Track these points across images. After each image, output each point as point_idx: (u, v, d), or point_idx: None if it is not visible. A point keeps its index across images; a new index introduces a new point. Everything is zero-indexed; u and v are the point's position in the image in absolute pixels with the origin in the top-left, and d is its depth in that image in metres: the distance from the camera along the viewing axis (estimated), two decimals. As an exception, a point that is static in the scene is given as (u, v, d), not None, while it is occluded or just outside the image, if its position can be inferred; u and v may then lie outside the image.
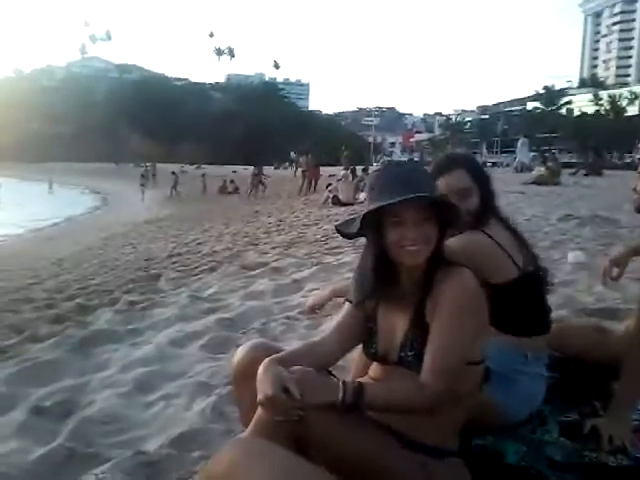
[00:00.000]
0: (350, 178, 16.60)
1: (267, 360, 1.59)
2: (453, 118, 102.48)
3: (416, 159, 28.13)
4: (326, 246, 7.48)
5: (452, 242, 1.82)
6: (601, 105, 62.85)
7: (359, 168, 19.21)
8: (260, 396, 1.48)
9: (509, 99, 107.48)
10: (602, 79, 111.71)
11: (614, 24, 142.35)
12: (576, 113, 65.12)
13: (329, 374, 1.80)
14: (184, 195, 28.92)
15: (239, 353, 1.82)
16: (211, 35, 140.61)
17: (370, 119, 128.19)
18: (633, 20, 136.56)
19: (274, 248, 7.76)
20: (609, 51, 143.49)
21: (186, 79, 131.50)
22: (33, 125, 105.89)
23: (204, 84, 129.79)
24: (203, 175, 33.10)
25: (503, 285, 2.07)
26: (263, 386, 1.49)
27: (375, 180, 1.68)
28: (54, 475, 2.29)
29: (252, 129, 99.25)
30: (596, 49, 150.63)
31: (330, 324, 1.88)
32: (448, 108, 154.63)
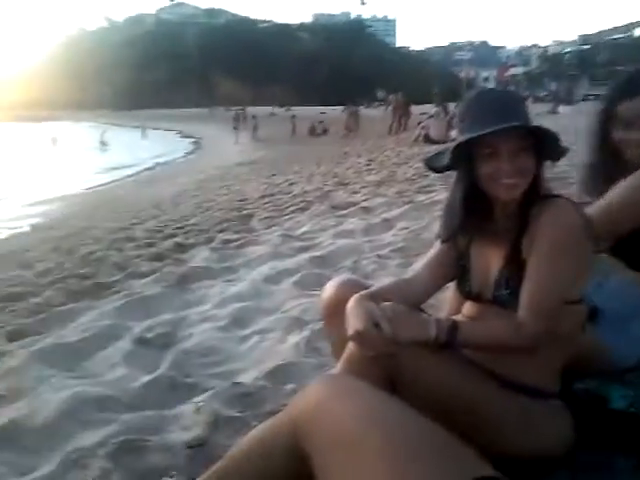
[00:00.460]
0: (442, 115, 16.13)
1: (357, 295, 1.57)
2: (551, 49, 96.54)
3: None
4: (417, 185, 7.34)
5: None
6: None
7: (451, 105, 18.57)
8: (350, 331, 1.46)
9: (613, 26, 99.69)
10: None
11: None
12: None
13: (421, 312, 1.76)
14: (265, 137, 29.10)
15: (328, 289, 1.81)
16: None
17: (462, 54, 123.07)
18: None
19: (364, 187, 7.70)
20: None
21: (271, 21, 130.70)
22: (126, 73, 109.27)
23: (290, 25, 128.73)
24: (292, 117, 33.11)
25: None
26: (353, 321, 1.47)
27: (466, 109, 1.57)
28: (158, 401, 2.40)
29: (339, 69, 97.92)
30: None
31: (421, 262, 1.81)
32: (546, 39, 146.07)
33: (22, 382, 2.72)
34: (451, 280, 1.77)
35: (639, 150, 1.93)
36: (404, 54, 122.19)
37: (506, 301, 1.54)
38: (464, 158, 1.54)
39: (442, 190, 6.23)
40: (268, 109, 55.20)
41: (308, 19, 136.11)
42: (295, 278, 3.84)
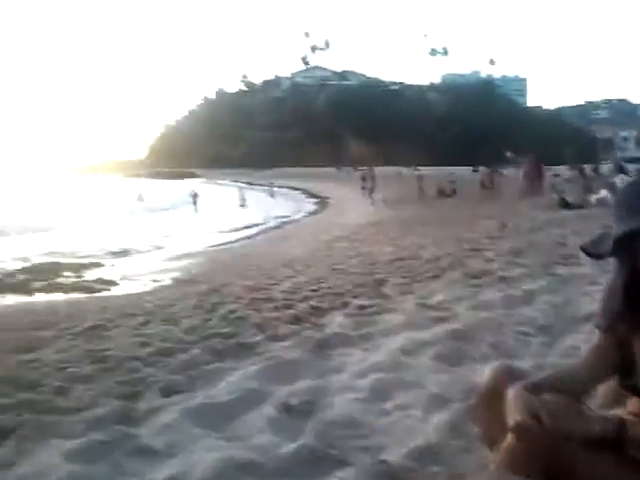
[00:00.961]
0: (578, 178, 15.55)
1: (518, 385, 1.55)
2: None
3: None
4: (556, 254, 7.07)
5: None
6: None
7: (587, 167, 17.87)
8: (511, 422, 1.44)
9: None
10: None
11: None
12: None
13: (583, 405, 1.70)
14: (392, 198, 29.27)
15: (485, 375, 1.81)
16: (425, 36, 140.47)
17: (598, 112, 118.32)
18: None
19: (499, 255, 7.53)
20: None
21: (401, 82, 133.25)
22: (261, 133, 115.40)
23: (419, 86, 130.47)
24: (420, 177, 33.22)
25: None
26: (514, 412, 1.45)
27: (625, 195, 1.54)
28: (302, 472, 2.45)
29: (468, 129, 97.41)
30: None
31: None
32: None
33: (176, 439, 2.89)
34: (616, 372, 1.70)
35: None
36: (536, 114, 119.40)
37: None
38: (624, 246, 1.50)
39: (585, 263, 5.95)
40: (395, 169, 55.73)
41: (438, 79, 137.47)
42: (433, 351, 3.80)
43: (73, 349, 5.11)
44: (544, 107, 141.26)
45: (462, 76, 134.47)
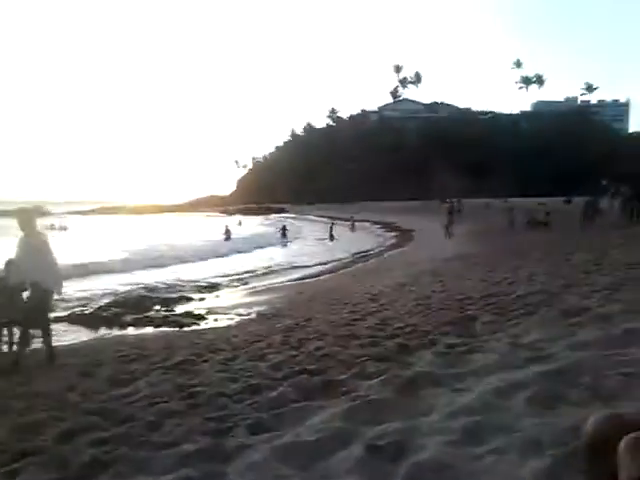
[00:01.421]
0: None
1: (632, 437, 1.45)
2: None
3: None
4: (661, 290, 6.63)
5: None
6: None
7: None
8: (624, 477, 1.35)
9: None
10: None
11: None
12: None
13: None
14: (480, 230, 28.64)
15: (591, 424, 1.70)
16: (517, 64, 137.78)
17: None
18: None
19: (596, 291, 7.14)
20: None
21: (492, 112, 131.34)
22: (350, 167, 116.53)
23: (510, 115, 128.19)
24: (510, 209, 32.44)
25: None
26: (629, 467, 1.36)
27: None
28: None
29: (562, 158, 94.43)
30: None
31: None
32: None
33: (263, 478, 2.89)
34: None
35: None
36: (637, 139, 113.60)
37: None
38: None
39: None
40: (484, 201, 54.79)
41: (528, 108, 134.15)
42: (527, 393, 3.62)
43: (163, 383, 5.25)
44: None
45: (555, 103, 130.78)
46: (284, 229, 45.46)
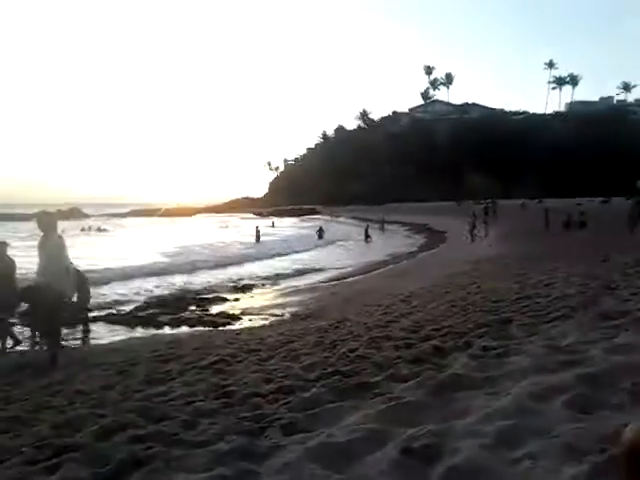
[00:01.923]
0: None
1: None
2: None
3: None
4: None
5: None
6: None
7: None
8: None
9: None
10: None
11: None
12: None
13: None
14: (516, 231, 28.26)
15: (630, 431, 1.66)
16: (550, 65, 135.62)
17: None
18: None
19: (635, 294, 6.99)
20: None
21: (525, 112, 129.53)
22: (381, 169, 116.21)
23: (544, 115, 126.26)
24: (546, 210, 31.95)
25: None
26: None
27: None
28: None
29: (597, 159, 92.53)
30: None
31: None
32: None
33: (296, 478, 2.90)
34: None
35: None
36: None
37: None
38: None
39: None
40: (519, 202, 54.05)
41: (563, 108, 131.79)
42: (564, 397, 3.56)
43: (199, 383, 5.31)
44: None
45: (590, 103, 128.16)
46: (320, 230, 45.76)
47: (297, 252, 33.65)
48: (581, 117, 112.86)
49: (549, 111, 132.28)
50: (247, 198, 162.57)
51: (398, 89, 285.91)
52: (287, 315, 12.51)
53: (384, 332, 6.81)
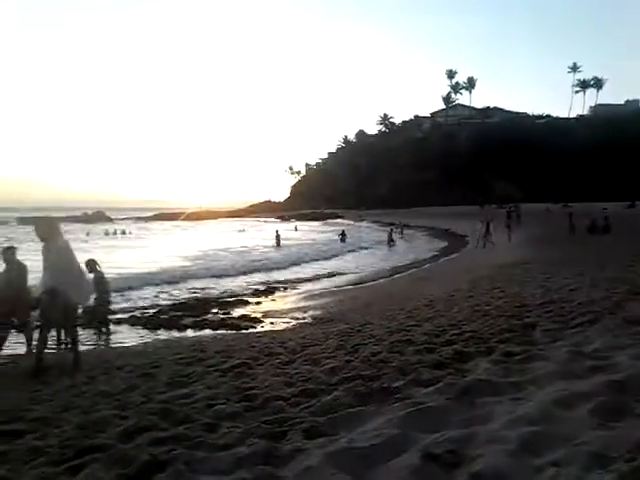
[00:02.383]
0: None
1: None
2: None
3: None
4: None
5: None
6: None
7: None
8: None
9: None
10: None
11: None
12: None
13: None
14: (539, 236, 27.93)
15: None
16: (574, 68, 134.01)
17: None
18: None
19: (664, 299, 6.87)
20: None
21: (548, 116, 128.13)
22: (401, 173, 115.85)
23: (567, 119, 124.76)
24: (570, 214, 31.59)
25: None
26: None
27: None
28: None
29: (623, 162, 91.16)
30: None
31: None
32: None
33: (319, 483, 2.89)
34: None
35: None
36: None
37: None
38: None
39: None
40: (543, 206, 53.51)
41: (586, 111, 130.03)
42: (590, 404, 3.50)
43: (221, 386, 5.33)
44: None
45: (615, 106, 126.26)
46: (343, 234, 45.82)
47: (320, 256, 33.61)
48: (606, 120, 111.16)
49: (573, 115, 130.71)
50: (270, 202, 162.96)
51: (420, 93, 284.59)
52: (309, 318, 12.51)
53: (406, 336, 6.78)
